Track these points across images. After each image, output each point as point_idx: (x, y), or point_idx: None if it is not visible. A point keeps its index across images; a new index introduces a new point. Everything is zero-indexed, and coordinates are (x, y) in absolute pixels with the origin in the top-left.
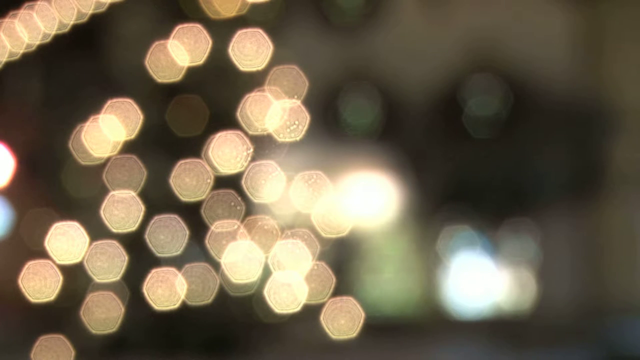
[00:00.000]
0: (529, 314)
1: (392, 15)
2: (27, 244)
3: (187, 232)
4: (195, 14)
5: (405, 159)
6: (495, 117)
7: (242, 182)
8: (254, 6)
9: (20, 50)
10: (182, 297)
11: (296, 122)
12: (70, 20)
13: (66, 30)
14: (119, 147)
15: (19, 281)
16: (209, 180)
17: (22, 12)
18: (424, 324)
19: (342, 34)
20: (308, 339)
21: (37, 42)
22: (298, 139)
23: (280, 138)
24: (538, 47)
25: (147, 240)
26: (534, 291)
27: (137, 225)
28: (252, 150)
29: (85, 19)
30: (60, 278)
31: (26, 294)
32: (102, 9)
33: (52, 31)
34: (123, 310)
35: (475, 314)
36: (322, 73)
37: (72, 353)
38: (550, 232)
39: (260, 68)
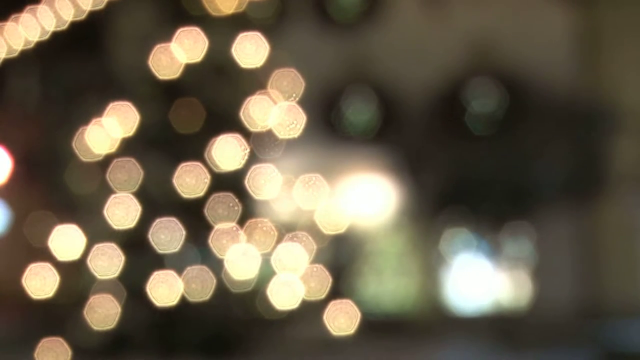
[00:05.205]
0: (528, 314)
1: (391, 15)
2: (28, 244)
3: (187, 232)
4: (195, 13)
5: (404, 159)
6: (495, 118)
7: (242, 182)
8: (254, 6)
9: (19, 48)
10: (182, 295)
11: (295, 122)
12: (69, 19)
13: (65, 28)
14: (119, 147)
15: (22, 280)
16: (206, 180)
17: (24, 15)
18: (423, 323)
19: (342, 33)
20: (307, 336)
21: (36, 40)
22: (296, 136)
23: (280, 137)
24: (538, 48)
25: (150, 239)
26: (533, 291)
27: (135, 224)
28: (251, 150)
29: (84, 17)
30: (61, 278)
31: (28, 293)
32: (101, 7)
33: (51, 30)
34: (121, 308)
35: (474, 314)
36: (321, 73)
37: (69, 353)
38: (550, 232)
39: (259, 66)
